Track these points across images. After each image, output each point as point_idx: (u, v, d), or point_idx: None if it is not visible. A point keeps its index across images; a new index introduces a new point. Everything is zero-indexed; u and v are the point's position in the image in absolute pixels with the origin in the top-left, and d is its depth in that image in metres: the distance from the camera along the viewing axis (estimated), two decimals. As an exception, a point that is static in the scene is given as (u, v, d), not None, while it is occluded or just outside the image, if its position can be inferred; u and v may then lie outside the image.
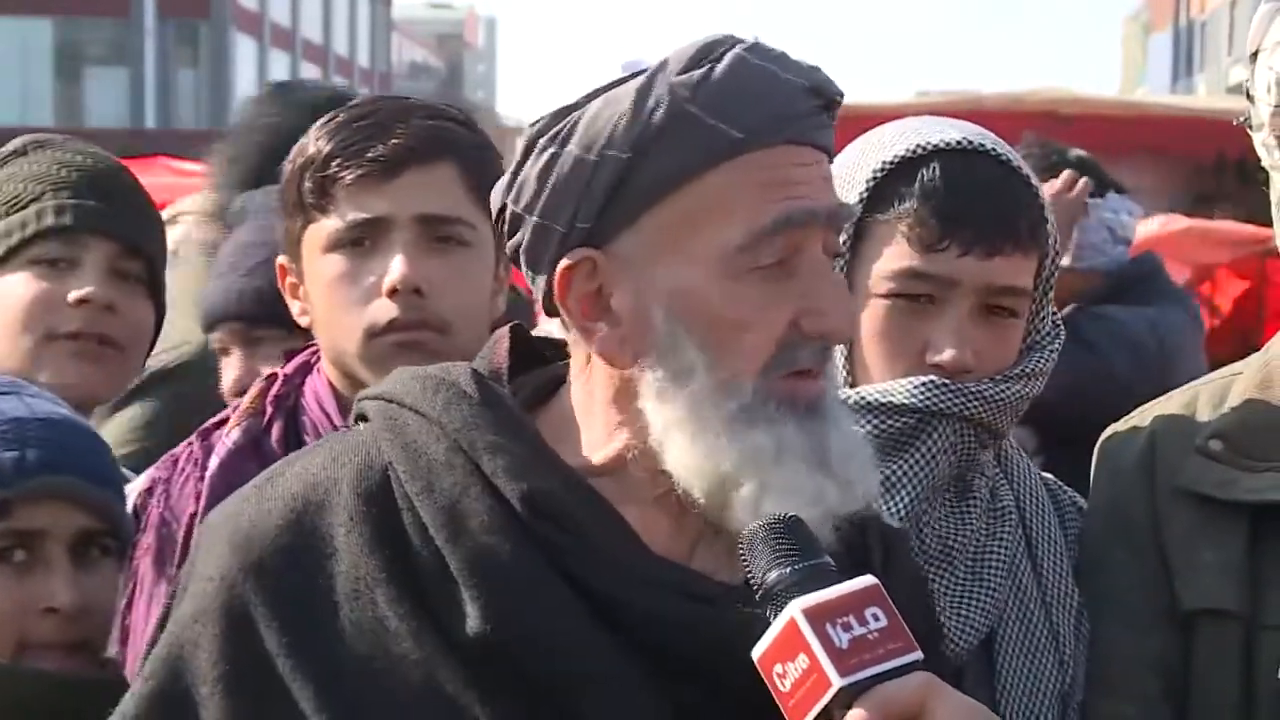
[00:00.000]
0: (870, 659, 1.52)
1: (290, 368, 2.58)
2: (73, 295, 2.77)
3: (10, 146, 2.95)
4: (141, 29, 46.86)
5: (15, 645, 2.19)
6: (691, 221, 1.65)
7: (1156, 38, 63.32)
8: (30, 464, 2.17)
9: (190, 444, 2.58)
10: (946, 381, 2.13)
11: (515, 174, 1.72)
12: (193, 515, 2.45)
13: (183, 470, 2.53)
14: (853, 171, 2.18)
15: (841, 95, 1.73)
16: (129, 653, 2.39)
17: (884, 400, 2.13)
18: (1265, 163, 2.18)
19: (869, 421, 2.13)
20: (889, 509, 2.12)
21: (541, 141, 1.70)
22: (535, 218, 1.70)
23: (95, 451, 2.29)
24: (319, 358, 2.56)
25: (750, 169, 1.65)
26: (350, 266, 2.41)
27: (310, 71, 56.83)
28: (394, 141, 2.39)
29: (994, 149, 2.17)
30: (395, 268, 2.37)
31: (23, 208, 2.83)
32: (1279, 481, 2.09)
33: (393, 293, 2.38)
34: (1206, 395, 2.23)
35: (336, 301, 2.42)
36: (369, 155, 2.39)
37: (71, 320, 2.76)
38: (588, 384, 1.73)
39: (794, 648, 1.52)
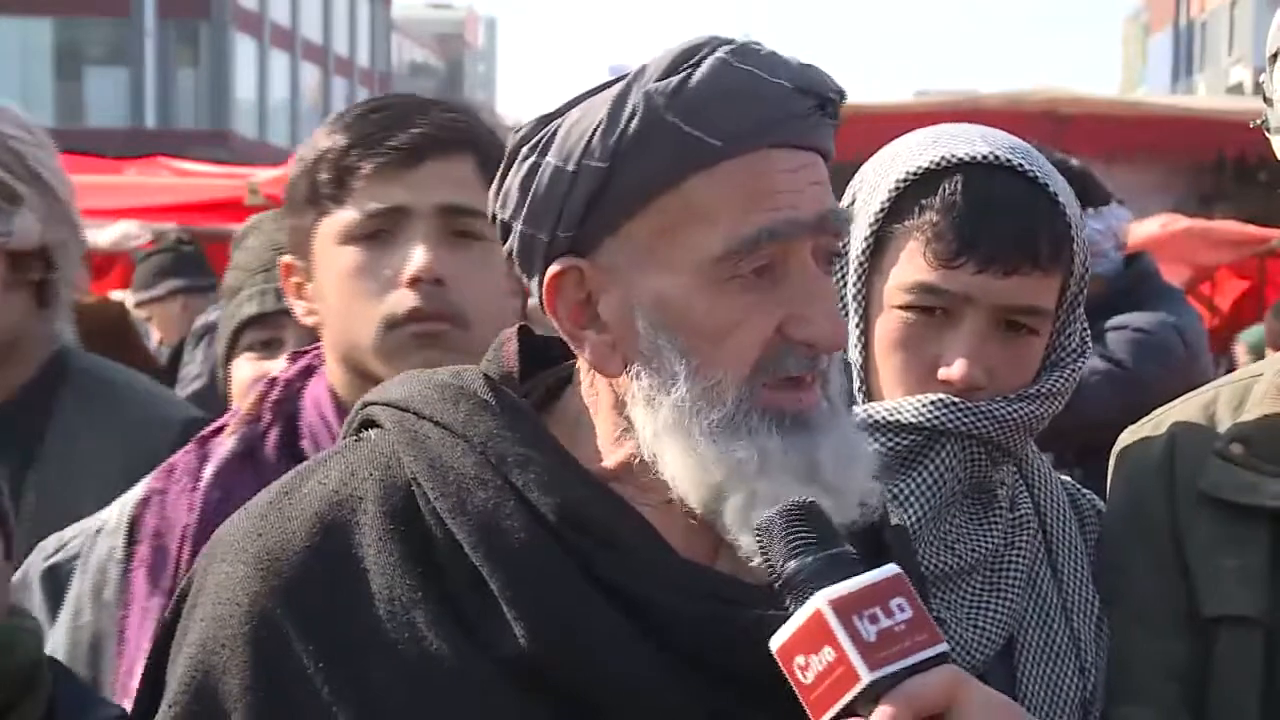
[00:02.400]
0: (898, 652, 1.49)
1: (291, 372, 2.51)
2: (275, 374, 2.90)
3: (241, 229, 3.17)
4: (141, 29, 46.82)
5: None
6: (672, 230, 1.63)
7: (1156, 38, 63.31)
8: None
9: (188, 452, 2.49)
10: (956, 400, 2.10)
11: (501, 181, 1.71)
12: (186, 527, 2.39)
13: (178, 480, 2.44)
14: (878, 178, 2.16)
15: (841, 92, 1.69)
16: (122, 663, 2.37)
17: (892, 418, 2.11)
18: None
19: (877, 439, 2.10)
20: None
21: (524, 150, 1.69)
22: (520, 226, 1.69)
23: None
24: (322, 361, 2.49)
25: (731, 176, 1.63)
26: (368, 258, 2.34)
27: (310, 72, 56.83)
28: (415, 130, 2.34)
29: (1021, 164, 2.12)
30: (416, 257, 2.31)
31: (233, 297, 3.07)
32: None
33: (414, 282, 2.31)
34: (1225, 397, 2.21)
35: (352, 293, 2.35)
36: (389, 144, 2.33)
37: None
38: (592, 388, 1.72)
39: (819, 640, 1.49)
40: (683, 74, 1.64)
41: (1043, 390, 2.15)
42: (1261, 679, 2.07)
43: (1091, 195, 4.66)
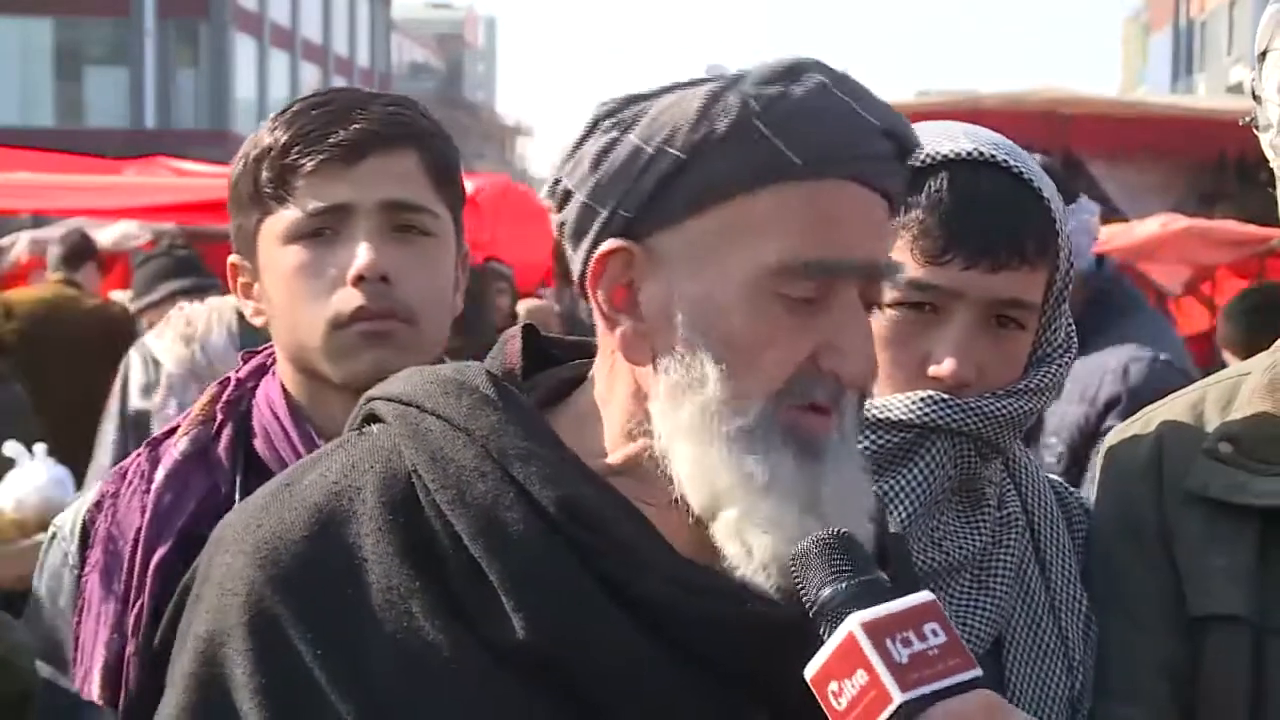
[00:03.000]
0: (930, 675, 1.49)
1: (244, 371, 2.49)
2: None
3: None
4: (141, 29, 46.83)
5: None
6: (732, 235, 1.64)
7: (1156, 38, 63.33)
8: None
9: (139, 455, 2.46)
10: (945, 397, 2.10)
11: (575, 150, 1.71)
12: (139, 530, 2.36)
13: (130, 484, 2.42)
14: None
15: (919, 145, 1.71)
16: (78, 669, 2.35)
17: (882, 416, 2.11)
18: (1273, 163, 2.16)
19: (868, 437, 2.10)
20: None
21: (605, 123, 1.69)
22: (583, 196, 1.69)
23: None
24: (275, 360, 2.48)
25: (803, 198, 1.63)
26: (312, 257, 2.32)
27: (310, 72, 56.83)
28: (356, 126, 2.31)
29: (1006, 160, 2.13)
30: (361, 255, 2.29)
31: None
32: None
33: (358, 280, 2.29)
34: (1214, 396, 2.22)
35: (298, 294, 2.33)
36: (330, 140, 2.31)
37: None
38: (610, 377, 1.72)
39: (851, 663, 1.50)
40: (782, 86, 1.64)
41: (1031, 386, 2.16)
42: (1250, 678, 2.07)
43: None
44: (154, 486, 2.38)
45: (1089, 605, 2.20)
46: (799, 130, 1.63)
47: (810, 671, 1.52)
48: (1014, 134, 2.26)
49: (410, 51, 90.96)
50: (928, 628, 1.51)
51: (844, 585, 1.54)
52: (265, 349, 2.53)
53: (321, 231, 2.33)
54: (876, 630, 1.49)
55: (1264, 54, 2.13)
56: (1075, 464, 4.83)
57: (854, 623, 1.50)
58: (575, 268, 1.72)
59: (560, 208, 1.73)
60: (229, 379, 2.49)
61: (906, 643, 1.49)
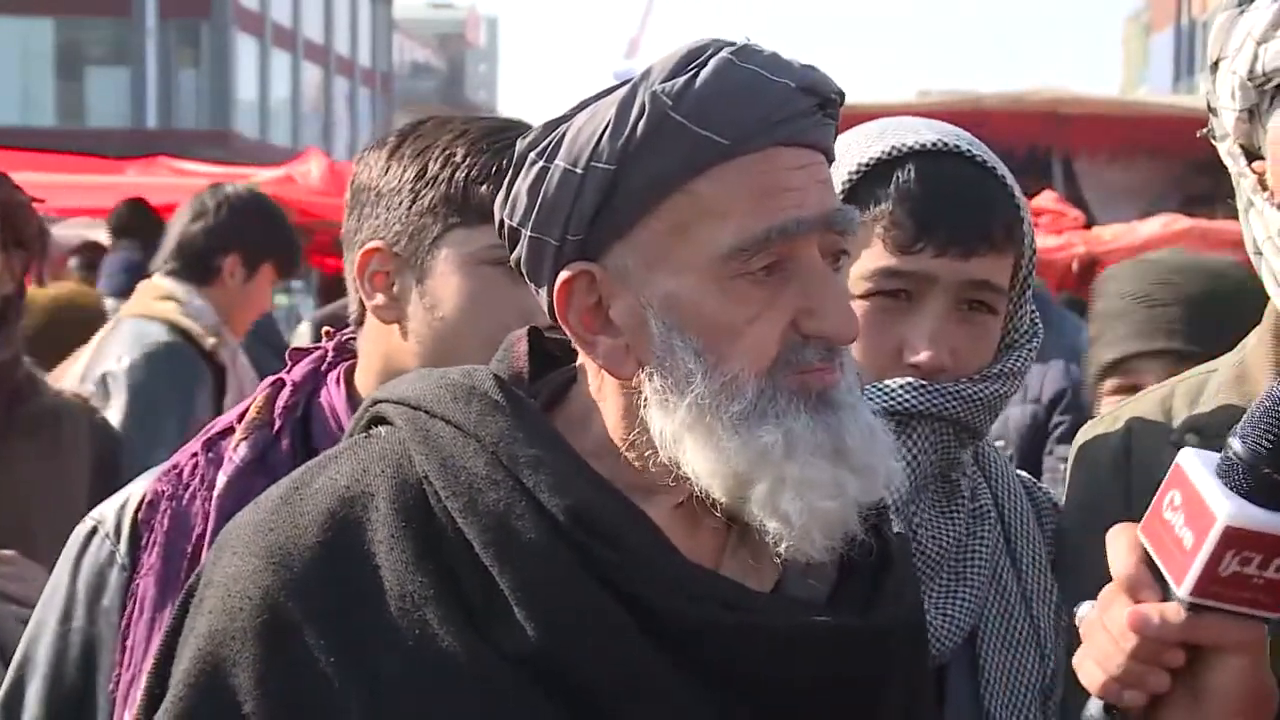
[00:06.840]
0: (1225, 596, 1.53)
1: (298, 374, 2.44)
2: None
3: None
4: (142, 29, 46.78)
5: None
6: (682, 229, 1.65)
7: (1157, 38, 63.27)
8: None
9: (195, 455, 2.42)
10: (924, 383, 2.13)
11: (509, 189, 1.73)
12: (200, 535, 2.33)
13: (188, 486, 2.39)
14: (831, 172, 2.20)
15: (840, 92, 1.72)
16: (126, 673, 2.32)
17: None
18: (1233, 171, 2.18)
19: None
20: None
21: (531, 156, 1.71)
22: (529, 232, 1.70)
23: None
24: (329, 365, 2.45)
25: (739, 175, 1.65)
26: (507, 287, 2.29)
27: (312, 72, 56.83)
28: None
29: (969, 150, 2.18)
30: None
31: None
32: None
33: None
34: (1182, 391, 2.24)
35: (480, 315, 2.31)
36: None
37: None
38: (600, 392, 1.73)
39: (1192, 520, 1.54)
40: (689, 74, 1.66)
41: (1005, 370, 2.20)
42: None
43: None
44: (217, 493, 2.35)
45: (1059, 596, 2.22)
46: (715, 112, 1.64)
47: (1189, 457, 1.57)
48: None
49: (412, 51, 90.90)
50: (1277, 563, 1.52)
51: (1257, 465, 1.54)
52: (315, 348, 2.49)
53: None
54: (1234, 538, 1.51)
55: (1216, 63, 2.13)
56: (1024, 465, 4.88)
57: (1226, 518, 1.52)
58: (542, 302, 1.73)
59: (512, 248, 1.74)
60: (282, 380, 2.45)
61: (1245, 561, 1.51)
